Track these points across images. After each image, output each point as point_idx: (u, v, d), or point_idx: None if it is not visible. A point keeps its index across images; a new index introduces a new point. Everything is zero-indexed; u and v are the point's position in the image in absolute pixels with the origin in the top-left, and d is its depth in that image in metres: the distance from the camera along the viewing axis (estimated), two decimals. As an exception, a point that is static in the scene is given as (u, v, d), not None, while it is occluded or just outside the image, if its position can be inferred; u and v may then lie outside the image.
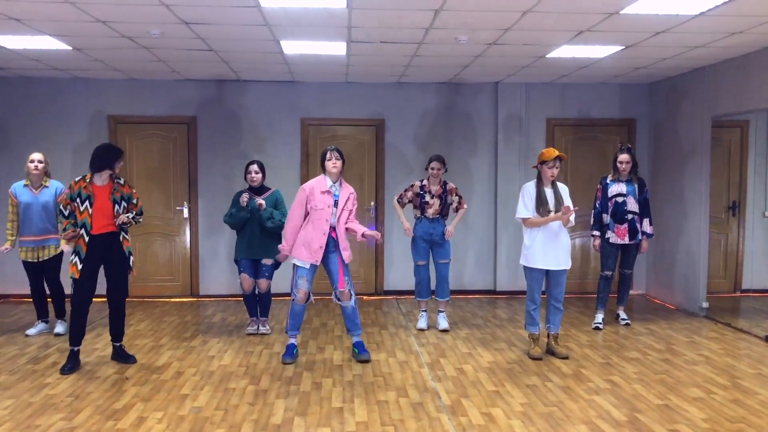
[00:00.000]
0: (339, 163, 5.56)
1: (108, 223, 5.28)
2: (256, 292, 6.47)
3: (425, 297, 6.81)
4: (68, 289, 6.53)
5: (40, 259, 6.31)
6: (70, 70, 7.64)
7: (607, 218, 6.77)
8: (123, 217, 5.27)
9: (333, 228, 5.55)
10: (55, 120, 8.21)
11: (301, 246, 5.52)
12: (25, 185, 6.32)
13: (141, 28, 5.65)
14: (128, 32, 5.79)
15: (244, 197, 6.22)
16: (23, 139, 8.11)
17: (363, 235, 5.55)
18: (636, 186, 6.73)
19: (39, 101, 8.20)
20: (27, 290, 6.59)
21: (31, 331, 6.49)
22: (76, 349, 5.38)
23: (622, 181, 6.74)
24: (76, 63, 7.19)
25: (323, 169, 5.61)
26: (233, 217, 6.33)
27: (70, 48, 6.40)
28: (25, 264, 6.40)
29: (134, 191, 5.48)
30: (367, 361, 5.61)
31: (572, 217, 5.51)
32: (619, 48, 6.40)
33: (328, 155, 5.57)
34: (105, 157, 5.30)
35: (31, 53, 6.67)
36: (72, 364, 5.32)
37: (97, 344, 6.02)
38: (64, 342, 6.11)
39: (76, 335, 5.36)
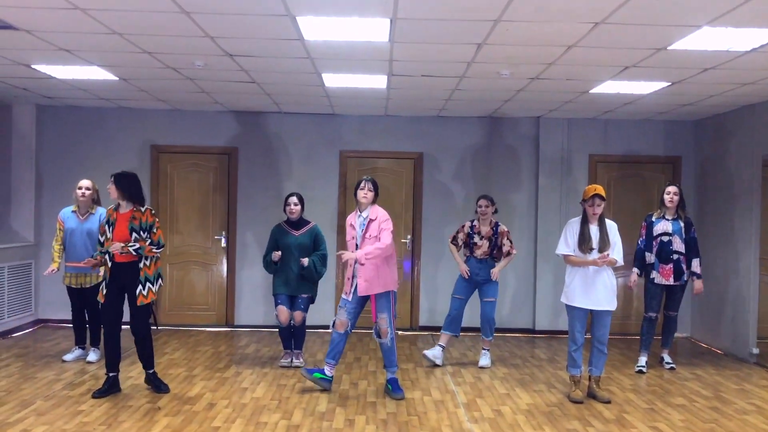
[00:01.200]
0: (371, 194, 5.55)
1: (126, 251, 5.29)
2: (292, 324, 6.41)
3: (448, 331, 6.67)
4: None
5: (82, 286, 6.36)
6: (116, 99, 7.80)
7: (651, 257, 6.57)
8: (117, 245, 5.21)
9: None
10: (100, 149, 8.37)
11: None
12: (73, 211, 6.41)
13: (186, 60, 5.74)
14: (173, 63, 5.89)
15: (276, 255, 6.23)
16: (68, 167, 8.28)
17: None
18: (682, 225, 6.53)
19: (85, 130, 8.38)
20: (65, 315, 6.67)
21: (68, 357, 6.52)
22: (111, 375, 5.38)
23: (668, 220, 6.55)
24: (121, 93, 7.34)
25: (356, 198, 5.61)
26: (266, 265, 6.43)
27: (117, 78, 6.53)
28: (68, 289, 6.45)
29: (157, 221, 5.40)
30: (400, 399, 5.49)
31: (619, 256, 5.37)
32: (665, 84, 6.27)
33: (362, 185, 5.58)
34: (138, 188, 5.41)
35: (78, 83, 6.83)
36: (105, 389, 5.33)
37: (131, 372, 6.00)
38: (99, 369, 6.13)
39: (109, 361, 5.39)
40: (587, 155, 8.52)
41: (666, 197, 6.54)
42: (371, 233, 5.50)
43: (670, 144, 8.52)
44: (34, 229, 8.23)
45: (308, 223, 6.45)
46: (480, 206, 6.56)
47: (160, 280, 5.48)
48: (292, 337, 6.51)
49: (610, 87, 6.45)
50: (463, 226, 6.69)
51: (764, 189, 7.22)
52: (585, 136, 8.50)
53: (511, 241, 6.61)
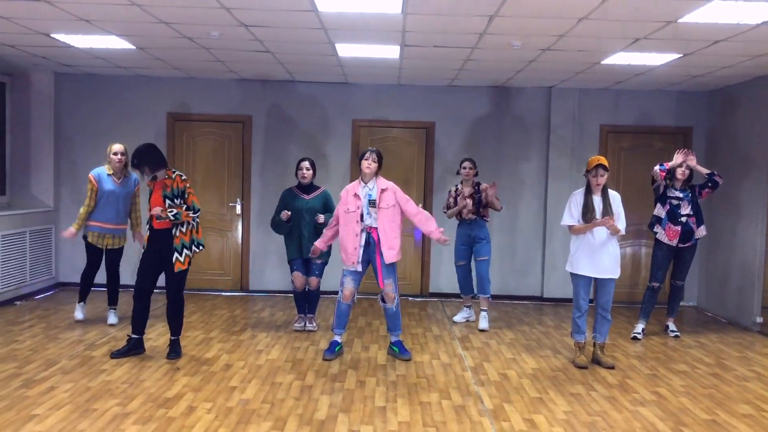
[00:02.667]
0: (374, 165, 5.64)
1: (165, 220, 5.43)
2: (306, 289, 6.60)
3: (467, 293, 7.20)
4: (123, 280, 6.86)
5: (106, 247, 6.53)
6: (133, 68, 7.91)
7: (662, 212, 6.64)
8: (156, 209, 5.33)
9: (374, 228, 5.63)
10: (118, 116, 8.51)
11: (342, 249, 5.68)
12: (109, 174, 6.45)
13: (202, 30, 5.83)
14: (189, 33, 5.98)
15: (285, 214, 6.32)
16: (87, 134, 8.46)
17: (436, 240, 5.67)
18: (690, 192, 6.61)
19: (102, 97, 8.52)
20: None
21: (78, 315, 6.72)
22: (134, 336, 5.60)
23: (677, 190, 6.63)
24: (138, 61, 7.45)
25: (360, 169, 5.73)
26: (274, 225, 6.51)
27: (134, 47, 6.64)
28: (89, 246, 6.52)
29: (188, 186, 5.52)
30: (407, 360, 5.70)
31: (622, 226, 5.47)
32: (676, 56, 6.30)
33: (366, 155, 5.68)
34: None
35: (97, 52, 6.95)
36: (125, 350, 5.55)
37: (150, 335, 6.22)
38: (119, 331, 6.36)
39: (135, 323, 5.60)
40: (598, 125, 8.57)
41: (678, 170, 6.60)
42: (387, 203, 5.61)
43: (681, 114, 8.54)
44: (53, 195, 8.44)
45: (318, 188, 6.58)
46: (464, 168, 6.92)
47: (201, 247, 5.60)
48: (306, 301, 6.70)
49: (621, 58, 6.48)
50: (449, 192, 7.07)
51: (772, 160, 7.26)
52: (596, 106, 8.53)
53: (495, 195, 6.90)
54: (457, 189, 7.02)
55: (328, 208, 6.48)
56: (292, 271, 6.53)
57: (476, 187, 6.94)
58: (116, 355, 5.51)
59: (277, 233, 6.64)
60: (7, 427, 4.01)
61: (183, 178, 5.52)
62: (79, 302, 6.78)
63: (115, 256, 6.62)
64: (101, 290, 6.93)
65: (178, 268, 5.46)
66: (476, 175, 7.02)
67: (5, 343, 5.90)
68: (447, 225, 7.14)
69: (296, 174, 6.54)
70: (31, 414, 4.23)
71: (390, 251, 5.61)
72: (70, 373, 5.09)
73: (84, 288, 6.74)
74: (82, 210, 6.42)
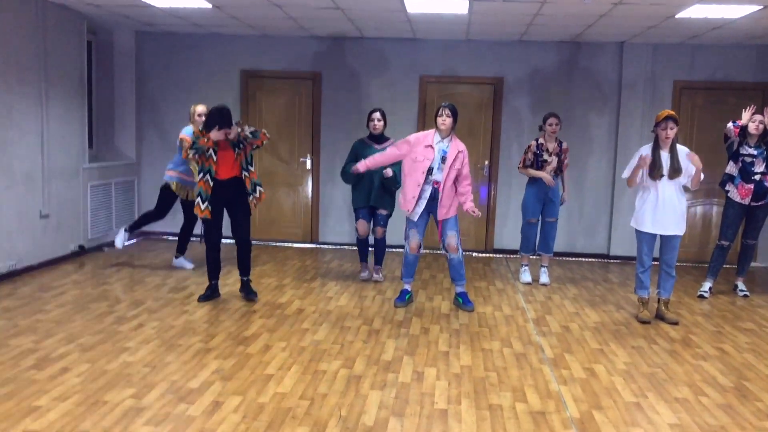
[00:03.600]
0: (449, 120, 5.72)
1: (230, 168, 5.70)
2: (372, 239, 6.83)
3: (531, 252, 7.08)
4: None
5: (189, 199, 6.85)
6: (208, 26, 8.19)
7: (734, 169, 6.53)
8: (234, 129, 5.56)
9: (439, 183, 5.76)
10: (194, 73, 8.85)
11: (402, 199, 5.83)
12: (195, 134, 6.78)
13: (275, -12, 6.01)
14: (264, -9, 6.17)
15: (387, 173, 6.36)
16: (166, 90, 8.86)
17: (465, 209, 5.76)
18: (765, 149, 6.44)
19: (180, 55, 8.86)
20: (165, 228, 7.24)
21: (187, 264, 7.18)
22: (213, 282, 5.97)
23: (751, 146, 6.47)
24: (214, 20, 7.71)
25: (435, 124, 5.81)
26: (344, 176, 6.66)
27: (211, 6, 6.89)
28: (171, 195, 6.89)
29: (248, 126, 5.75)
30: (470, 311, 5.89)
31: (693, 179, 5.44)
32: (758, 7, 6.09)
33: (440, 111, 5.77)
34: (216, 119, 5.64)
35: (175, 11, 7.24)
36: (208, 294, 5.93)
37: (228, 280, 6.60)
38: (199, 276, 6.76)
39: (211, 270, 5.96)
40: (672, 81, 8.37)
41: (751, 125, 6.43)
42: (456, 164, 5.73)
43: (761, 70, 8.24)
44: (135, 149, 8.91)
45: (389, 138, 6.74)
46: (550, 124, 6.71)
47: (261, 188, 5.89)
48: (374, 251, 6.96)
49: (697, 11, 6.31)
50: (529, 147, 6.85)
51: None
52: (670, 62, 8.32)
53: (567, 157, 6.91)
54: (539, 144, 6.79)
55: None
56: (357, 219, 6.74)
57: (560, 144, 6.81)
58: (203, 299, 5.89)
59: (346, 182, 6.84)
60: (105, 357, 4.42)
61: (239, 122, 5.75)
62: (182, 254, 7.19)
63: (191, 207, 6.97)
64: (173, 239, 7.32)
65: (255, 204, 5.79)
66: (560, 129, 6.81)
67: (97, 285, 6.39)
68: (519, 179, 7.21)
69: (367, 125, 6.71)
70: (124, 347, 4.64)
71: (443, 209, 5.77)
72: (156, 312, 5.50)
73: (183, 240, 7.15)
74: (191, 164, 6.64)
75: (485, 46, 8.55)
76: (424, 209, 5.82)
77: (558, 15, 6.70)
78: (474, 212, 5.69)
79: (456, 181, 5.80)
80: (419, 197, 5.76)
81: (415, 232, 5.91)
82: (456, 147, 5.76)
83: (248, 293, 6.01)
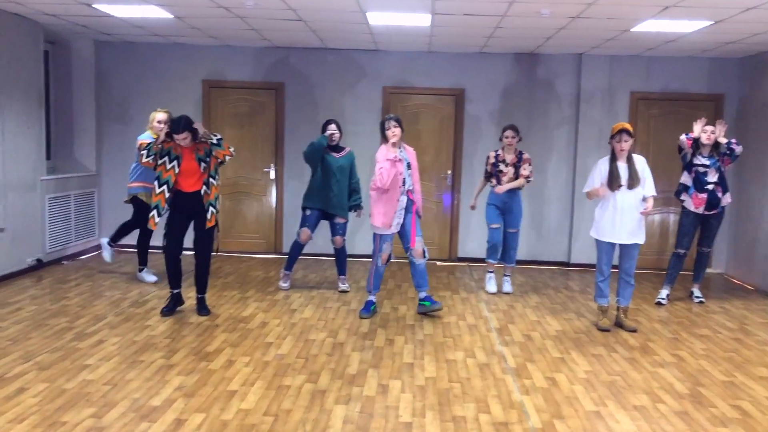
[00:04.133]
0: (398, 131, 5.85)
1: (194, 182, 5.67)
2: (334, 248, 6.89)
3: (496, 259, 7.09)
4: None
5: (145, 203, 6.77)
6: (170, 36, 8.12)
7: (689, 180, 6.72)
8: (201, 129, 5.54)
9: (410, 191, 5.91)
10: (155, 83, 8.76)
11: (380, 215, 5.85)
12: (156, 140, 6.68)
13: (237, 0, 5.99)
14: (225, 3, 6.14)
15: (332, 134, 6.56)
16: (126, 100, 8.74)
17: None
18: (717, 159, 6.63)
19: (140, 65, 8.76)
20: (127, 240, 7.15)
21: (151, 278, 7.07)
22: (175, 291, 5.92)
23: (704, 156, 6.66)
24: (175, 30, 7.65)
25: (384, 138, 5.89)
26: (313, 145, 6.58)
27: (172, 16, 6.83)
28: (144, 207, 6.69)
29: (215, 134, 5.71)
30: (439, 309, 6.02)
31: (651, 191, 5.61)
32: (707, 23, 6.29)
33: (387, 124, 5.85)
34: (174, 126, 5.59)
35: (135, 21, 7.16)
36: (171, 306, 5.87)
37: (190, 293, 6.52)
38: (161, 290, 6.68)
39: (171, 279, 5.89)
40: (629, 92, 8.57)
41: (703, 135, 6.62)
42: (414, 165, 6.04)
43: (713, 81, 8.50)
44: (95, 159, 8.77)
45: (345, 148, 6.82)
46: (507, 137, 6.83)
47: (216, 205, 5.83)
48: (337, 262, 7.00)
49: (651, 26, 6.49)
50: (488, 158, 6.99)
51: (805, 128, 7.24)
52: (627, 73, 8.52)
53: (531, 167, 6.91)
54: (497, 155, 6.91)
55: (353, 168, 6.81)
56: (302, 225, 6.73)
57: (519, 156, 6.87)
58: (166, 311, 5.83)
59: (311, 159, 6.67)
60: (63, 375, 4.34)
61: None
62: (144, 266, 7.07)
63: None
64: (134, 251, 7.24)
65: (209, 225, 5.75)
66: (519, 141, 6.89)
67: (56, 300, 6.27)
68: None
69: (323, 133, 6.71)
70: (84, 364, 4.56)
71: (419, 206, 6.02)
72: (117, 328, 5.42)
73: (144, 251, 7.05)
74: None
75: (447, 58, 8.64)
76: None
77: (517, 28, 6.82)
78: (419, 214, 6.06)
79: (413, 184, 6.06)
80: (398, 209, 5.85)
81: (388, 245, 5.97)
82: (409, 150, 6.02)
83: (200, 309, 5.93)
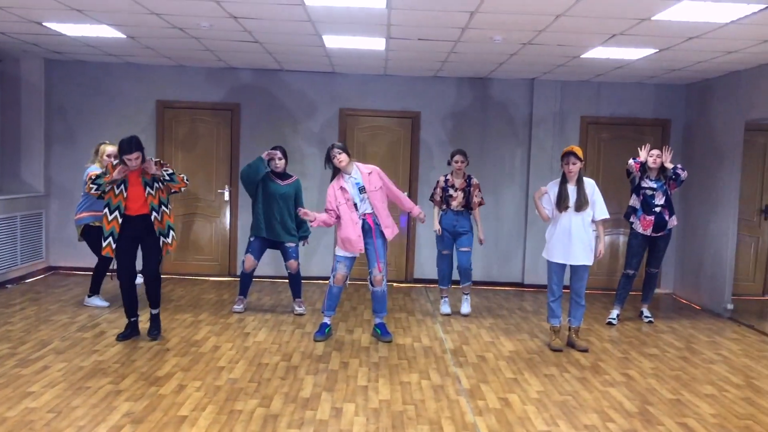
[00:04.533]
0: (343, 157, 5.83)
1: (140, 205, 5.57)
2: (289, 272, 6.81)
3: (447, 285, 7.15)
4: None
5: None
6: (123, 55, 8.03)
7: (637, 202, 6.89)
8: (149, 163, 5.44)
9: (369, 214, 5.86)
10: (107, 103, 8.63)
11: (341, 241, 5.85)
12: (102, 172, 6.54)
13: (192, 21, 5.97)
14: (180, 24, 6.12)
15: (272, 155, 6.51)
16: (77, 120, 8.58)
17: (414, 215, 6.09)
18: (664, 183, 6.83)
19: (92, 84, 8.62)
20: (75, 263, 6.93)
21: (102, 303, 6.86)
22: (132, 320, 5.79)
23: (651, 179, 6.85)
24: (128, 50, 7.56)
25: (332, 167, 5.90)
26: (251, 167, 6.53)
27: (125, 36, 6.76)
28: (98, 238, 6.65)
29: (166, 164, 5.63)
30: (388, 342, 5.95)
31: (602, 214, 5.78)
32: (652, 51, 6.51)
33: (332, 154, 5.84)
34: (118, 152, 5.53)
35: (88, 40, 7.06)
36: (127, 332, 5.73)
37: (140, 317, 6.38)
38: (111, 314, 6.53)
39: (128, 308, 5.76)
40: (579, 117, 8.78)
41: (650, 159, 6.83)
42: (375, 185, 5.88)
43: (660, 107, 8.78)
44: (44, 180, 8.56)
45: (291, 176, 6.81)
46: (456, 161, 6.91)
47: (172, 232, 5.77)
48: (291, 286, 6.94)
49: (600, 53, 6.69)
50: (438, 182, 7.04)
51: (745, 153, 7.52)
52: (577, 99, 8.75)
53: (481, 193, 7.04)
54: (447, 179, 7.00)
55: (299, 196, 6.76)
56: (247, 251, 6.72)
57: (468, 180, 6.96)
58: (121, 337, 5.68)
59: (248, 181, 6.61)
60: (5, 404, 4.19)
61: (160, 161, 5.65)
62: (95, 294, 6.88)
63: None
64: (87, 274, 7.06)
65: (167, 250, 5.71)
66: (467, 165, 7.01)
67: (-1, 325, 6.07)
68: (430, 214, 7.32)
69: (268, 163, 6.66)
70: (27, 391, 4.41)
71: (387, 229, 5.94)
72: (63, 353, 5.27)
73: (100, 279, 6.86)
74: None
75: (402, 81, 8.74)
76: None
77: (471, 53, 6.95)
78: (422, 219, 6.14)
79: (392, 200, 6.04)
80: (354, 235, 5.82)
81: (342, 265, 5.93)
82: (366, 171, 5.93)
83: (152, 329, 5.81)
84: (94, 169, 6.43)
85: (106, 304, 6.85)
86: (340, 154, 5.83)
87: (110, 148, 6.52)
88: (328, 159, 5.87)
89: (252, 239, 6.74)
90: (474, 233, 7.05)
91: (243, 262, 6.78)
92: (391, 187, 6.05)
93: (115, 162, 5.62)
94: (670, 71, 7.66)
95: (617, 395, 4.80)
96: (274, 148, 6.72)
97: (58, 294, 7.39)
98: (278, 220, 6.63)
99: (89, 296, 6.91)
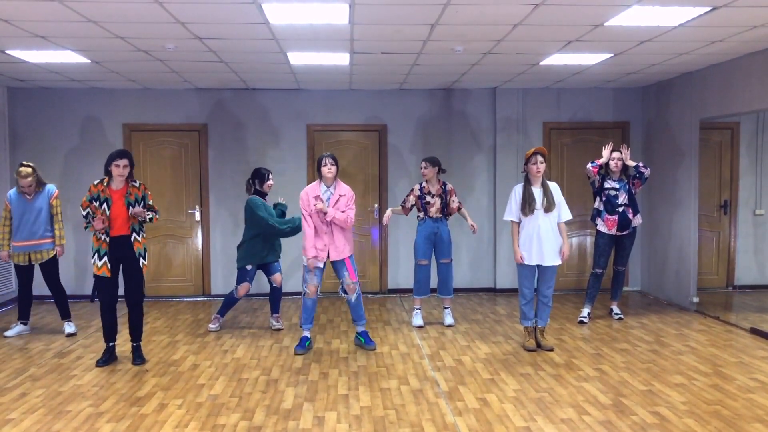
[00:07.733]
0: (333, 168, 5.96)
1: (121, 224, 5.57)
2: (273, 286, 6.92)
3: (423, 295, 7.08)
4: (69, 290, 6.91)
5: (37, 262, 6.61)
6: (87, 80, 8.03)
7: (601, 205, 7.08)
8: (138, 209, 5.52)
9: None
10: (73, 128, 8.61)
11: (307, 248, 5.93)
12: (19, 192, 6.58)
13: (157, 43, 6.03)
14: (145, 47, 6.17)
15: (319, 204, 5.96)
16: (44, 147, 8.52)
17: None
18: (626, 182, 7.04)
19: (57, 111, 8.59)
20: (48, 291, 6.89)
21: (9, 333, 6.73)
22: (111, 344, 5.75)
23: (614, 180, 7.06)
24: (93, 75, 7.57)
25: (319, 175, 6.00)
26: (294, 229, 6.56)
27: (89, 61, 6.78)
28: (18, 268, 6.67)
29: (149, 193, 5.74)
30: (372, 350, 6.04)
31: (566, 216, 5.89)
32: (608, 55, 6.74)
33: (323, 161, 5.96)
34: (106, 163, 5.59)
35: (51, 66, 7.06)
36: (107, 358, 5.69)
37: (117, 340, 6.36)
38: (86, 338, 6.49)
39: (108, 331, 5.72)
40: (541, 122, 9.00)
41: (611, 162, 7.04)
42: (339, 207, 5.96)
43: (618, 110, 9.04)
44: (11, 209, 8.46)
45: (279, 198, 7.11)
46: (420, 167, 6.99)
47: (146, 254, 5.80)
48: (271, 300, 7.01)
49: (557, 59, 6.89)
50: (412, 190, 7.06)
51: (701, 151, 7.80)
52: (539, 105, 8.97)
53: (458, 198, 7.12)
54: (422, 187, 6.97)
55: (285, 214, 6.96)
56: (245, 279, 6.70)
57: (443, 186, 6.99)
58: (101, 363, 5.64)
59: (293, 233, 6.66)
60: (-16, 432, 4.17)
61: (144, 185, 5.73)
62: (19, 320, 6.83)
63: (50, 269, 6.68)
64: (52, 301, 7.02)
65: (145, 271, 5.75)
66: (442, 172, 7.00)
67: (-28, 356, 6.00)
68: (407, 220, 7.41)
69: (261, 185, 6.69)
70: (6, 419, 4.39)
71: (335, 251, 5.98)
72: (41, 380, 5.24)
73: (24, 308, 6.83)
74: (3, 229, 6.61)
75: (368, 95, 8.88)
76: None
77: (433, 65, 7.11)
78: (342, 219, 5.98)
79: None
80: (321, 245, 5.93)
81: (313, 276, 6.00)
82: (338, 191, 6.01)
83: (136, 358, 5.78)
84: (9, 192, 6.57)
85: (27, 329, 6.84)
86: (332, 165, 5.95)
87: (22, 171, 6.52)
88: (319, 166, 5.97)
89: (249, 268, 6.71)
90: (450, 240, 7.06)
91: (237, 289, 6.73)
92: (348, 211, 5.97)
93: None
94: (626, 75, 7.91)
95: (591, 389, 4.94)
96: (268, 172, 6.75)
97: (31, 322, 7.30)
98: (271, 242, 6.76)
99: (21, 323, 6.84)
